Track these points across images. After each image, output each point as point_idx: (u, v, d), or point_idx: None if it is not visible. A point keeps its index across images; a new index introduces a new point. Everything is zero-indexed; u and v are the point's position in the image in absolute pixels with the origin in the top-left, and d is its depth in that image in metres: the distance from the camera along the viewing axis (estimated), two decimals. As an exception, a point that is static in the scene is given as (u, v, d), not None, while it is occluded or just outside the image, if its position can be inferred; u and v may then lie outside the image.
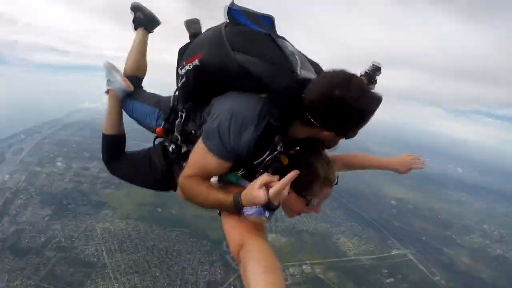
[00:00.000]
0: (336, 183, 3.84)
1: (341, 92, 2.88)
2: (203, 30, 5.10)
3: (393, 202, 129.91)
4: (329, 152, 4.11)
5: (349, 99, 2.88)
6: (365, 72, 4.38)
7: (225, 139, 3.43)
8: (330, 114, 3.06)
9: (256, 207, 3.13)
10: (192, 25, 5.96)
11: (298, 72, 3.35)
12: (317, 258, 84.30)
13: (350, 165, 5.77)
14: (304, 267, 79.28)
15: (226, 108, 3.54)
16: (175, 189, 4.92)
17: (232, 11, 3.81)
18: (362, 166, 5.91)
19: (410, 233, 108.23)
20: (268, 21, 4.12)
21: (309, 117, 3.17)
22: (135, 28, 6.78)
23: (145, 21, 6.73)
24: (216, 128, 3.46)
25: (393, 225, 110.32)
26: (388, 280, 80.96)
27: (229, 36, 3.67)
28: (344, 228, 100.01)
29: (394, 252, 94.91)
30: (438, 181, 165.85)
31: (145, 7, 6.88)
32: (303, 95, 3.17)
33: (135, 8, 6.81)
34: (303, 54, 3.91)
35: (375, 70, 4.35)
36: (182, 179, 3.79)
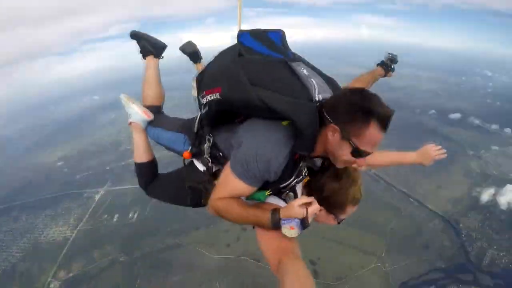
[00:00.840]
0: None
1: (362, 101, 3.93)
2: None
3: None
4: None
5: (369, 106, 3.88)
6: (382, 61, 7.64)
7: (254, 170, 4.17)
8: (349, 112, 3.96)
9: (294, 220, 4.01)
10: (187, 48, 8.18)
11: (316, 97, 4.22)
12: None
13: (375, 166, 6.85)
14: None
15: (251, 144, 4.26)
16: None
17: (242, 38, 4.71)
18: (386, 164, 6.94)
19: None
20: (279, 37, 5.03)
21: (328, 117, 4.03)
22: (144, 57, 7.89)
23: (151, 49, 7.77)
24: (244, 160, 4.22)
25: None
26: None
27: (246, 69, 4.37)
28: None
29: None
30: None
31: (146, 35, 7.79)
32: (323, 110, 4.10)
33: (136, 37, 7.89)
34: (316, 71, 4.83)
35: (391, 60, 7.63)
36: (213, 200, 4.60)
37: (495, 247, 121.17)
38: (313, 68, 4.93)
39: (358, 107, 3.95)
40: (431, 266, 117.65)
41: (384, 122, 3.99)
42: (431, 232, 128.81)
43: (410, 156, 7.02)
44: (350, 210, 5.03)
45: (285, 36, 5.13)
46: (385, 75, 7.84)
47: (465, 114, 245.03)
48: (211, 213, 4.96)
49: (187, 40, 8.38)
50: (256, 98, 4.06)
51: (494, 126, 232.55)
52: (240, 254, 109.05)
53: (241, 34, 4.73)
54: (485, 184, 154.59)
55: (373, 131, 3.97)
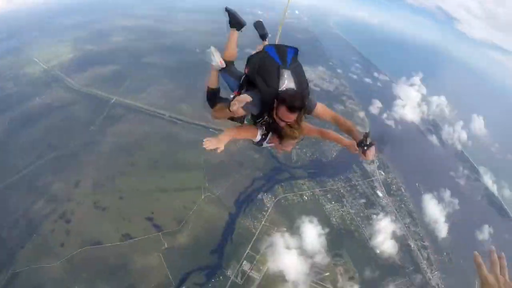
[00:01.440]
0: (301, 140, 10.00)
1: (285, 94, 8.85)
2: None
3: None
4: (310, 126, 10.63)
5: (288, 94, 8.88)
6: (361, 141, 9.83)
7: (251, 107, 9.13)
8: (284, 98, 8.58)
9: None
10: (260, 28, 12.95)
11: (279, 89, 8.87)
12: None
13: (325, 138, 10.96)
14: None
15: (252, 95, 8.74)
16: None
17: (267, 48, 9.36)
18: (331, 141, 11.24)
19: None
20: (292, 52, 9.51)
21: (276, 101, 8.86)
22: (230, 27, 11.84)
23: (234, 24, 11.78)
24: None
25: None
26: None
27: (260, 63, 9.23)
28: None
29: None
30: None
31: (233, 13, 11.55)
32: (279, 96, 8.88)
33: (229, 12, 11.60)
34: (297, 78, 9.31)
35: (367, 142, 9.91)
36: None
37: (297, 147, 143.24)
38: (297, 75, 9.67)
39: (282, 98, 8.91)
40: (252, 177, 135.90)
41: (290, 108, 8.75)
42: (240, 151, 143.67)
43: (346, 142, 10.82)
44: (291, 142, 10.43)
45: (297, 52, 9.98)
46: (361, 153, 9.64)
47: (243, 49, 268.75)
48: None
49: (259, 20, 13.48)
50: (255, 80, 9.46)
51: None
52: (79, 246, 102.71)
53: (268, 46, 9.83)
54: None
55: (283, 111, 8.94)
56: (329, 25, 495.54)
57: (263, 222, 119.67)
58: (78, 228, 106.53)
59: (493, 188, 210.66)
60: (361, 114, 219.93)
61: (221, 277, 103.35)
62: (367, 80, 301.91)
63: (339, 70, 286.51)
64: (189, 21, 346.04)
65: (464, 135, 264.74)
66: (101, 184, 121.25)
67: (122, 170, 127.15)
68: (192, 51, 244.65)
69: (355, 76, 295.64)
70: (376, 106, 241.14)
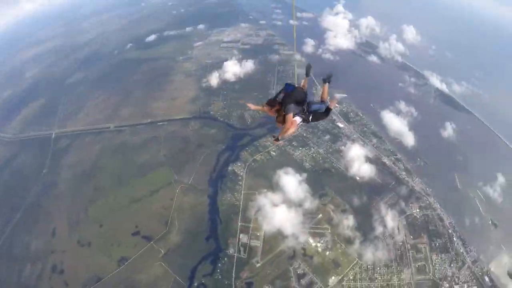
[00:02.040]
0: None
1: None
2: None
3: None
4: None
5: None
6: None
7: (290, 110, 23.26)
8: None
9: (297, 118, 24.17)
10: (308, 69, 25.96)
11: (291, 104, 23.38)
12: None
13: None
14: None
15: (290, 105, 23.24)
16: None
17: (286, 86, 24.27)
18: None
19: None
20: (291, 88, 24.13)
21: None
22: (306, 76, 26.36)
23: (307, 74, 26.25)
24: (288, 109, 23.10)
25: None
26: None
27: (288, 91, 23.81)
28: None
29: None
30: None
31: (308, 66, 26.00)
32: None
33: (308, 68, 25.98)
34: (303, 98, 24.58)
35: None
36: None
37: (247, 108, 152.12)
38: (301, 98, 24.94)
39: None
40: (216, 153, 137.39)
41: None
42: (195, 133, 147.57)
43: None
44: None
45: (307, 92, 25.59)
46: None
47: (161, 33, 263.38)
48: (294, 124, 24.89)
49: (309, 63, 27.77)
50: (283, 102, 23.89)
51: (189, 29, 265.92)
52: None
53: (287, 84, 24.72)
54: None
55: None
56: None
57: (242, 191, 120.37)
58: (74, 274, 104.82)
59: (443, 87, 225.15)
60: (298, 56, 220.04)
61: (225, 259, 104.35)
62: (292, 22, 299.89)
63: (262, 22, 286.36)
64: (97, 25, 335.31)
65: (400, 47, 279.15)
66: (76, 221, 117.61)
67: (91, 198, 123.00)
68: (111, 54, 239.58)
69: (279, 23, 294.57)
70: (309, 45, 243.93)
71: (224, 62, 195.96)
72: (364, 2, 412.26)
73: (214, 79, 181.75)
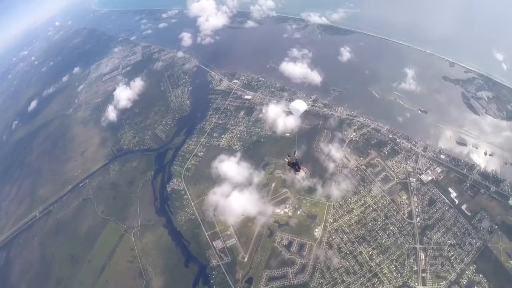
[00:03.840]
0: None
1: None
2: None
3: None
4: None
5: None
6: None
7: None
8: None
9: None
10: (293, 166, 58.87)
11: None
12: None
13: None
14: None
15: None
16: None
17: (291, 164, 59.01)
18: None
19: None
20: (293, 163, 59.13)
21: None
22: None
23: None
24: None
25: None
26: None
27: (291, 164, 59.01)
28: None
29: None
30: None
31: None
32: None
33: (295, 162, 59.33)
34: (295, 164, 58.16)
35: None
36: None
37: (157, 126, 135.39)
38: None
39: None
40: (150, 182, 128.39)
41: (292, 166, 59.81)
42: (119, 175, 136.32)
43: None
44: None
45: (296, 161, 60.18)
46: None
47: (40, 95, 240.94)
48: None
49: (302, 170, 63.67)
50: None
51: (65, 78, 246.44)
52: None
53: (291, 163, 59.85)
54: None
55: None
56: (93, 10, 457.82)
57: (192, 203, 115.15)
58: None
59: (323, 20, 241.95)
60: (180, 54, 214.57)
61: (214, 272, 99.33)
62: (162, 25, 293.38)
63: (132, 38, 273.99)
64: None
65: (270, 2, 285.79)
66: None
67: None
68: (0, 141, 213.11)
69: (149, 31, 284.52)
70: (186, 38, 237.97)
71: (114, 93, 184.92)
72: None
73: (111, 114, 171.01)
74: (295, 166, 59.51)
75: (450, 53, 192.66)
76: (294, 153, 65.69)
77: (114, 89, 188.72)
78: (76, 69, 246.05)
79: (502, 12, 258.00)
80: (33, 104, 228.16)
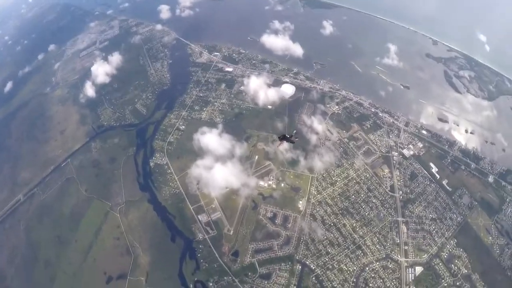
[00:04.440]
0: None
1: None
2: None
3: None
4: None
5: None
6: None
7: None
8: None
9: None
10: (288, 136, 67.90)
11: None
12: None
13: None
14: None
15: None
16: None
17: (283, 137, 67.53)
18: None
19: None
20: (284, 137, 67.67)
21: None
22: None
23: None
24: None
25: None
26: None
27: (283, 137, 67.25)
28: None
29: None
30: None
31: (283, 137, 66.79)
32: None
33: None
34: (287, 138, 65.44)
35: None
36: None
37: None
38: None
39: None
40: (133, 159, 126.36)
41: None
42: (101, 153, 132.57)
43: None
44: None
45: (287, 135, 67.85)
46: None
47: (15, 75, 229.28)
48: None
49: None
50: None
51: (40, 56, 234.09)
52: None
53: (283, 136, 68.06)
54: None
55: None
56: None
57: (176, 177, 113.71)
58: None
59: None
60: (158, 27, 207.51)
61: (200, 246, 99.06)
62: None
63: (109, 12, 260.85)
64: None
65: None
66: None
67: (48, 276, 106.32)
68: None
69: (126, 4, 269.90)
70: (165, 11, 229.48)
71: (91, 68, 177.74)
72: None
73: (90, 90, 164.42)
74: (288, 139, 65.51)
75: (434, 31, 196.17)
76: (294, 132, 69.80)
77: (92, 65, 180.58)
78: (52, 47, 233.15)
79: None
80: (9, 85, 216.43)
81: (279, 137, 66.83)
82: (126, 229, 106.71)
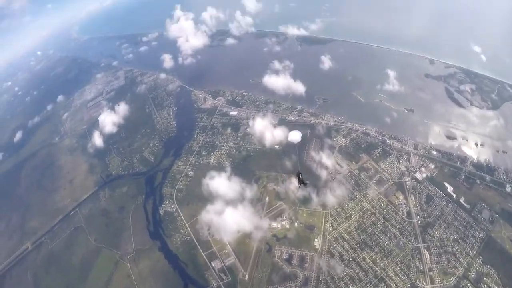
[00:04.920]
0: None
1: None
2: None
3: None
4: None
5: None
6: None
7: None
8: None
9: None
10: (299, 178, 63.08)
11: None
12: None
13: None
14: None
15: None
16: None
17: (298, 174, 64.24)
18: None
19: None
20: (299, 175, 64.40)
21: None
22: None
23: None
24: None
25: None
26: None
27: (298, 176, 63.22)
28: None
29: None
30: None
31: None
32: None
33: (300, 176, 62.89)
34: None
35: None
36: None
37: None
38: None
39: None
40: (141, 208, 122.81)
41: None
42: (109, 203, 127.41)
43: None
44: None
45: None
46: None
47: (25, 125, 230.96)
48: None
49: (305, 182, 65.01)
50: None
51: (49, 106, 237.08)
52: None
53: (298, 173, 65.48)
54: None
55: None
56: (74, 38, 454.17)
57: (186, 224, 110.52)
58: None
59: (302, 32, 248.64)
60: (162, 75, 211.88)
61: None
62: (143, 48, 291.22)
63: (114, 63, 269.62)
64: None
65: (248, 19, 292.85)
66: None
67: None
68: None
69: (130, 55, 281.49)
70: (167, 60, 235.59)
71: (99, 118, 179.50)
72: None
73: (98, 140, 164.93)
74: (301, 182, 63.13)
75: (429, 51, 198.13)
76: (299, 174, 64.73)
77: (99, 115, 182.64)
78: (60, 98, 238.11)
79: (474, 5, 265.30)
80: (19, 135, 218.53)
81: (298, 177, 64.03)
82: (137, 278, 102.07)
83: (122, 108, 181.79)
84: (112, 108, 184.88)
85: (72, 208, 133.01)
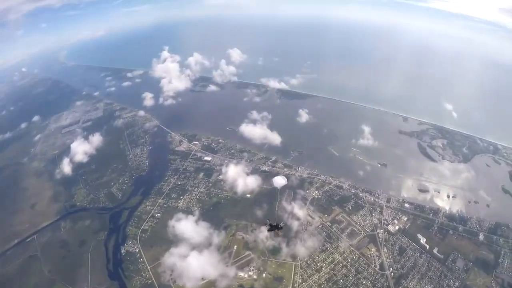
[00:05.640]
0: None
1: None
2: None
3: None
4: None
5: None
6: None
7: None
8: None
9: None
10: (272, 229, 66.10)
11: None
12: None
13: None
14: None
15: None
16: None
17: (269, 225, 65.57)
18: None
19: None
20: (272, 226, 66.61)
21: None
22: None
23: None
24: None
25: None
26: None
27: (271, 227, 65.95)
28: None
29: None
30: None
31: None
32: None
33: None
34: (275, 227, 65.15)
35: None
36: None
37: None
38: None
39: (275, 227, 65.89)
40: (106, 245, 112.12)
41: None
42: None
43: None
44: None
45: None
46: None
47: None
48: None
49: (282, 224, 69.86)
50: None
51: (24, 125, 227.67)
52: None
53: (269, 224, 65.34)
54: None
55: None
56: (61, 62, 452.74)
57: (148, 267, 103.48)
58: None
59: (282, 85, 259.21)
60: (141, 113, 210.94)
61: None
62: (126, 83, 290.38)
63: (96, 93, 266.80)
64: None
65: (232, 68, 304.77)
66: None
67: None
68: None
69: (113, 89, 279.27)
70: (148, 99, 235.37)
71: (71, 145, 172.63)
72: (186, 42, 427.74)
73: (67, 167, 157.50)
74: (275, 228, 63.66)
75: (403, 109, 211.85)
76: (276, 223, 65.56)
77: (72, 142, 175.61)
78: (36, 118, 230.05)
79: (446, 66, 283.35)
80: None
81: (270, 226, 63.63)
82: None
83: (97, 139, 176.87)
84: (86, 138, 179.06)
85: (30, 235, 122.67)
